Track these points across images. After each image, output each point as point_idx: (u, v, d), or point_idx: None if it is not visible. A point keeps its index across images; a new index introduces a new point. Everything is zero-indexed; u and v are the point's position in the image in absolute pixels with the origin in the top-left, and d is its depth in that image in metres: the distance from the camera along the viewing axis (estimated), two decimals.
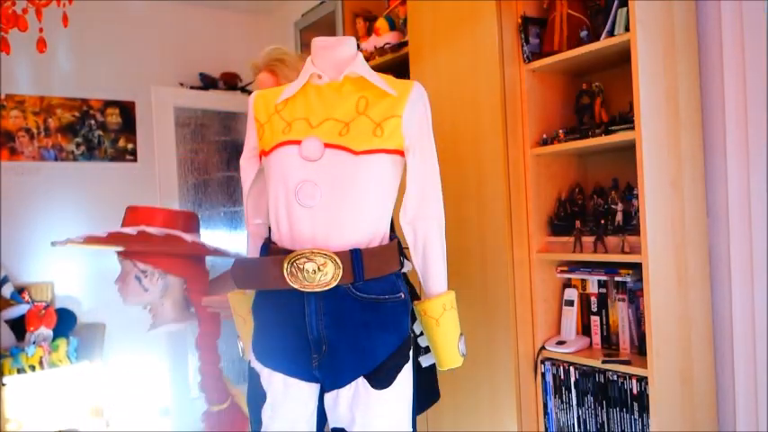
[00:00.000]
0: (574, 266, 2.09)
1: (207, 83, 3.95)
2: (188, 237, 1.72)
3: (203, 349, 1.89)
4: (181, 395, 2.59)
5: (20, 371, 2.85)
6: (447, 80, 2.27)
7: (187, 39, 4.00)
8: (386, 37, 2.68)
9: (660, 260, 1.79)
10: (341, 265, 1.24)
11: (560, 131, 2.04)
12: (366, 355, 1.29)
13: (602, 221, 1.97)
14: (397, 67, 2.60)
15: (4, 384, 2.76)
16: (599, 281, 2.05)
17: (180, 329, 2.01)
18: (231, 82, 4.03)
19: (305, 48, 3.54)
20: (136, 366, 3.51)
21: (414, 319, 1.44)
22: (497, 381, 2.13)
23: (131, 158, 3.82)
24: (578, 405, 2.02)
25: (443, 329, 1.39)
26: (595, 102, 2.03)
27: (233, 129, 4.11)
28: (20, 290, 3.27)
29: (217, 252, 1.86)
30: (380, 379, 1.29)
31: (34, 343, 2.99)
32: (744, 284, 1.92)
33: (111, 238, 1.78)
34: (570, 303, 2.12)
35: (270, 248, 1.34)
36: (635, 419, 1.86)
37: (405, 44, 2.57)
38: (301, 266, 1.24)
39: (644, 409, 1.82)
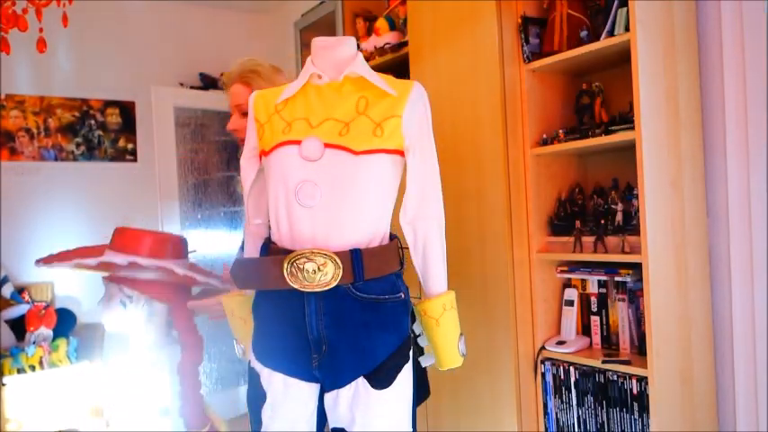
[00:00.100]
0: (574, 266, 2.09)
1: (207, 83, 3.95)
2: (180, 270, 1.69)
3: (185, 375, 1.88)
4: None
5: (20, 371, 2.85)
6: (447, 80, 2.27)
7: (187, 39, 4.00)
8: (386, 37, 2.68)
9: (660, 260, 1.79)
10: (341, 265, 1.24)
11: (560, 131, 2.04)
12: (366, 355, 1.29)
13: (602, 221, 1.97)
14: (397, 67, 2.60)
15: (4, 384, 2.76)
16: (599, 281, 2.05)
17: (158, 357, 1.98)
18: None
19: (305, 48, 3.54)
20: (136, 366, 3.51)
21: (413, 320, 1.44)
22: (497, 381, 2.13)
23: (131, 158, 3.81)
24: (578, 405, 2.02)
25: (443, 329, 1.39)
26: (595, 102, 2.03)
27: None
28: (20, 290, 3.27)
29: (207, 280, 1.82)
30: (380, 379, 1.29)
31: (34, 343, 2.99)
32: (744, 284, 1.92)
33: (102, 267, 1.77)
34: (570, 303, 2.12)
35: (270, 248, 1.34)
36: (635, 419, 1.86)
37: (405, 44, 2.57)
38: (301, 266, 1.24)
39: (644, 409, 1.82)
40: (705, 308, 1.95)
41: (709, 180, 1.98)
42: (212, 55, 4.02)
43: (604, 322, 2.05)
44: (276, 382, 1.33)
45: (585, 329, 2.11)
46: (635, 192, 1.85)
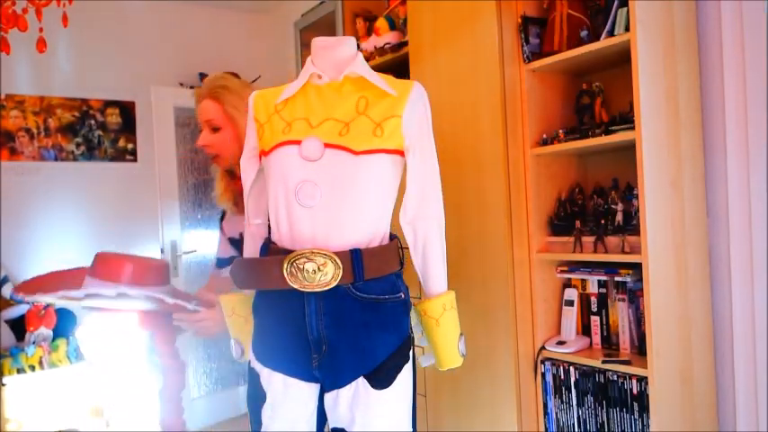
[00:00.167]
0: (574, 266, 2.09)
1: None
2: (170, 299, 1.67)
3: (167, 401, 1.87)
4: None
5: (20, 371, 2.85)
6: (447, 80, 2.27)
7: (187, 39, 4.00)
8: (386, 37, 2.68)
9: (660, 260, 1.79)
10: (341, 265, 1.24)
11: (560, 131, 2.04)
12: (366, 355, 1.29)
13: (603, 221, 1.97)
14: (397, 67, 2.60)
15: (4, 384, 2.76)
16: (599, 281, 2.05)
17: None
18: None
19: (305, 48, 3.54)
20: (136, 366, 3.52)
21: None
22: (497, 381, 2.13)
23: (131, 158, 3.81)
24: (578, 405, 2.02)
25: (443, 329, 1.39)
26: (595, 102, 2.03)
27: None
28: None
29: (196, 308, 1.78)
30: (380, 379, 1.29)
31: (34, 343, 2.99)
32: (744, 284, 1.92)
33: (89, 298, 1.74)
34: (570, 303, 2.12)
35: (270, 248, 1.34)
36: (635, 419, 1.86)
37: (405, 44, 2.57)
38: (301, 266, 1.24)
39: (644, 409, 1.82)
40: (705, 308, 1.95)
41: (710, 180, 1.98)
42: (212, 55, 4.02)
43: (604, 322, 2.05)
44: (276, 382, 1.33)
45: (585, 329, 2.11)
46: (635, 192, 1.85)
